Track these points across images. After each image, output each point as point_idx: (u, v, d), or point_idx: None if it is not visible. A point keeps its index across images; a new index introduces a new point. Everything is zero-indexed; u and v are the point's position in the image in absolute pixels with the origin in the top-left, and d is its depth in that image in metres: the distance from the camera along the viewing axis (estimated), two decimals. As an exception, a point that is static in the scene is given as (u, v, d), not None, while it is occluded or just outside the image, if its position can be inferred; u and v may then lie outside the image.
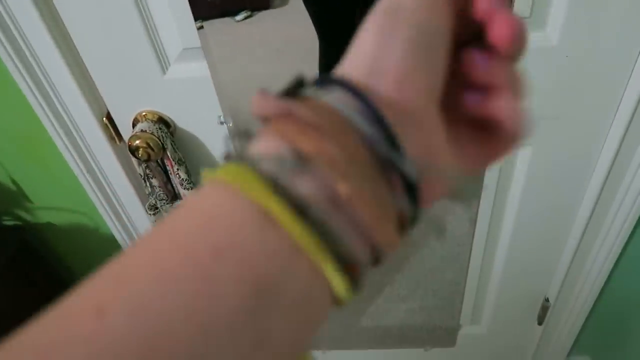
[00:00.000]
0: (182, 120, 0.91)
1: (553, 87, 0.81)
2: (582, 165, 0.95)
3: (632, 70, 0.79)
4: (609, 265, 1.13)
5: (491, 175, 0.98)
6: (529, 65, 0.78)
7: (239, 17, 3.52)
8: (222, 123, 0.90)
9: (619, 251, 1.09)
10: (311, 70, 1.76)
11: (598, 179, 0.96)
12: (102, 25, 0.79)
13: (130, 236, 1.10)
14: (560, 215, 1.06)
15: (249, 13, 3.52)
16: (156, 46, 0.84)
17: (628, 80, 0.80)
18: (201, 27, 0.85)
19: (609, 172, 0.95)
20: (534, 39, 0.75)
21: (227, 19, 3.53)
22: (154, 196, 0.91)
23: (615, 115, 0.86)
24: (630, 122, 0.85)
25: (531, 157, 0.93)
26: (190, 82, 0.87)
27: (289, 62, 2.62)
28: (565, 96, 0.83)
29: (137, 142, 0.86)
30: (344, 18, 1.53)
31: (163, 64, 0.86)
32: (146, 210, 0.94)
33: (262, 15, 3.50)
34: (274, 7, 3.39)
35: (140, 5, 0.80)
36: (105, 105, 0.91)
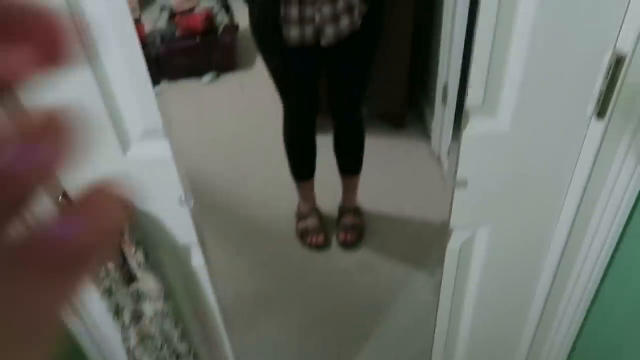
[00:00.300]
0: (142, 201, 0.89)
1: (507, 169, 0.84)
2: (539, 241, 0.98)
3: (580, 152, 0.83)
4: (573, 334, 1.14)
5: (451, 259, 0.99)
6: (485, 150, 0.81)
7: (205, 80, 3.54)
8: (183, 203, 0.89)
9: (581, 321, 1.10)
10: (276, 130, 1.78)
11: (555, 254, 0.99)
12: (61, 101, 0.78)
13: (84, 325, 1.04)
14: (521, 288, 1.07)
15: (215, 75, 3.55)
16: (118, 126, 0.83)
17: (578, 159, 0.84)
18: (159, 93, 0.83)
19: (565, 246, 0.97)
20: (488, 125, 0.78)
21: (193, 81, 3.56)
22: (108, 279, 0.87)
23: (567, 192, 0.89)
24: (582, 198, 0.89)
25: (490, 235, 0.94)
26: (152, 162, 0.86)
27: (253, 123, 2.62)
28: (519, 177, 0.86)
29: (94, 223, 0.83)
30: (304, 79, 1.58)
31: (124, 144, 0.85)
32: (100, 295, 0.90)
33: (228, 78, 3.54)
34: (240, 69, 3.45)
35: (103, 86, 0.79)
36: (62, 185, 0.89)
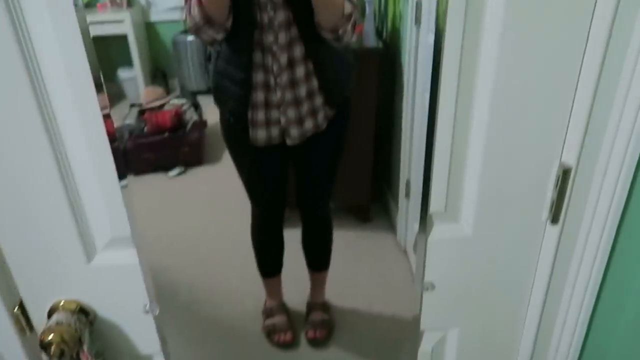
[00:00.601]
0: (104, 309, 0.86)
1: (472, 272, 0.86)
2: (508, 340, 0.98)
3: (539, 254, 0.86)
4: None
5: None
6: (450, 253, 0.83)
7: (172, 173, 3.55)
8: (147, 312, 0.86)
9: None
10: (242, 225, 1.78)
11: (525, 352, 0.99)
12: (24, 209, 0.77)
13: None
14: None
15: (182, 169, 3.57)
16: (83, 234, 0.82)
17: (537, 260, 0.87)
18: (125, 186, 0.82)
19: (534, 344, 0.98)
20: (451, 230, 0.81)
21: (160, 175, 3.56)
22: (64, 396, 0.81)
23: (531, 293, 0.91)
24: (545, 298, 0.91)
25: (460, 336, 0.95)
26: (116, 269, 0.84)
27: (219, 217, 2.60)
28: (483, 279, 0.88)
29: (51, 336, 0.79)
30: (272, 180, 1.62)
31: (89, 251, 0.83)
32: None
33: (195, 171, 3.57)
34: (207, 163, 3.48)
35: (70, 193, 0.79)
36: (19, 293, 0.85)
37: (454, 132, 0.73)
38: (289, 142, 1.44)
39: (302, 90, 1.37)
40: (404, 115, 1.99)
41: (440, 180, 0.76)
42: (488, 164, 0.74)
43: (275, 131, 1.42)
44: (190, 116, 3.25)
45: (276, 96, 1.36)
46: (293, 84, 1.36)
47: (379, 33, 2.34)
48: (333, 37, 1.27)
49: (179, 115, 3.11)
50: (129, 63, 3.97)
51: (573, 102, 0.72)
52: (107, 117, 0.76)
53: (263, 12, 1.26)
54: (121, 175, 0.79)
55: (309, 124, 1.43)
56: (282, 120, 1.40)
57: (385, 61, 2.23)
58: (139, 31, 3.95)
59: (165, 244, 2.32)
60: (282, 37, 1.29)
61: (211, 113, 2.85)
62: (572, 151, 0.74)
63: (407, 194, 2.10)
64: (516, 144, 0.74)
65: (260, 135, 1.42)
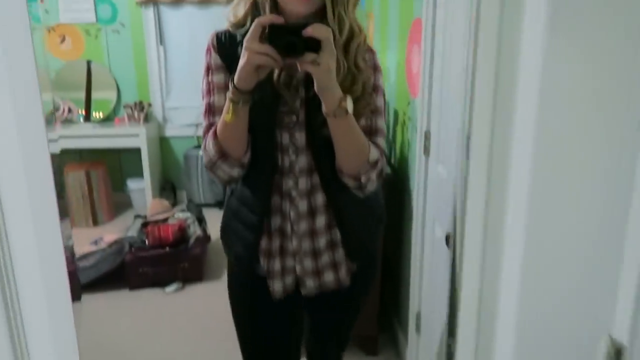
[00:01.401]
0: None
1: None
2: None
3: None
4: None
5: None
6: None
7: (169, 289, 3.39)
8: None
9: None
10: (237, 348, 1.61)
11: None
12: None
13: None
14: None
15: (180, 285, 3.41)
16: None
17: None
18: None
19: None
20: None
21: (156, 290, 3.39)
22: None
23: None
24: None
25: None
26: None
27: (216, 339, 2.40)
28: None
29: None
30: (282, 344, 1.35)
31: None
32: None
33: (194, 288, 3.41)
34: (207, 280, 3.33)
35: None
36: None
37: (481, 290, 0.64)
38: (303, 292, 1.26)
39: (322, 241, 1.22)
40: (413, 244, 1.91)
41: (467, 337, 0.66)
42: (521, 339, 0.64)
43: (289, 279, 1.24)
44: (194, 230, 3.19)
45: (292, 245, 1.21)
46: (312, 233, 1.21)
47: (387, 159, 2.35)
48: (355, 185, 1.15)
49: (182, 230, 3.05)
50: (139, 174, 4.02)
51: (621, 261, 0.64)
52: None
53: (284, 156, 1.16)
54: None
55: (328, 277, 1.25)
56: (298, 268, 1.23)
57: (394, 187, 2.20)
58: (152, 145, 4.06)
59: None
60: (303, 183, 1.18)
61: (216, 227, 2.81)
62: (624, 324, 0.64)
63: (418, 329, 1.95)
64: (551, 312, 0.64)
65: (277, 286, 1.24)
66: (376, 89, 1.15)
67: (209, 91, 1.14)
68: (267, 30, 0.96)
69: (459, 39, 1.39)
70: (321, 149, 1.14)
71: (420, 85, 1.75)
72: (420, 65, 1.78)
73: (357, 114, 1.08)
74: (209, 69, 1.14)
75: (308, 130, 1.13)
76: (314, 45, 0.94)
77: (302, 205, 1.19)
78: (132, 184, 4.15)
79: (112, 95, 4.15)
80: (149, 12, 4.04)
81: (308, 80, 1.07)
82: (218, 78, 1.13)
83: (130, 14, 4.03)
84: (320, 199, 1.19)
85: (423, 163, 1.76)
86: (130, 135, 3.87)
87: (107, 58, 4.09)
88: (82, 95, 4.06)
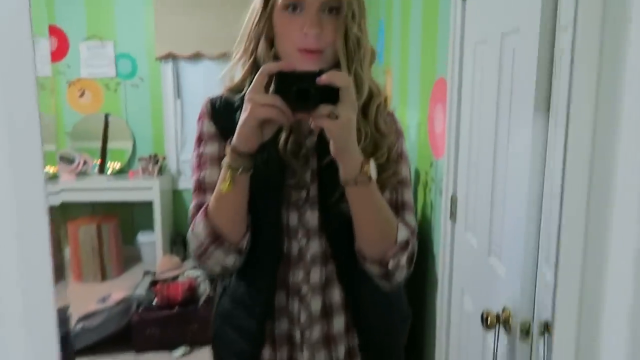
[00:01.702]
0: None
1: None
2: None
3: None
4: None
5: None
6: None
7: (176, 353, 3.20)
8: None
9: None
10: None
11: None
12: None
13: None
14: None
15: (187, 349, 3.22)
16: None
17: None
18: None
19: None
20: None
21: (163, 354, 3.20)
22: None
23: None
24: None
25: None
26: None
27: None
28: None
29: None
30: None
31: None
32: None
33: (203, 352, 3.22)
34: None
35: None
36: None
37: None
38: None
39: (341, 350, 0.98)
40: (438, 315, 1.77)
41: None
42: None
43: None
44: (204, 289, 3.07)
45: (303, 356, 0.96)
46: (329, 340, 0.97)
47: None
48: (380, 272, 0.91)
49: (192, 289, 2.93)
50: (150, 227, 3.95)
51: None
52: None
53: (292, 241, 0.94)
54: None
55: None
56: None
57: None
58: (165, 198, 4.00)
59: None
60: (316, 275, 0.95)
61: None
62: None
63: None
64: None
65: None
66: (401, 156, 0.97)
67: (200, 165, 0.95)
68: (274, 80, 0.79)
69: (488, 100, 1.32)
70: (338, 231, 0.93)
71: (446, 147, 1.67)
72: (444, 126, 1.71)
73: (381, 186, 0.90)
74: (200, 140, 0.96)
75: (322, 208, 0.93)
76: (331, 96, 0.76)
77: (315, 303, 0.95)
78: (142, 237, 4.07)
79: (128, 146, 4.15)
80: (168, 67, 4.10)
81: (321, 147, 0.89)
82: (212, 149, 0.94)
83: (149, 68, 4.09)
84: (337, 295, 0.97)
85: (449, 229, 1.66)
86: (143, 188, 3.83)
87: (124, 111, 4.12)
88: (98, 145, 4.07)
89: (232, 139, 0.82)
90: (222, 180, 0.84)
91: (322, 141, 0.84)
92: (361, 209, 0.87)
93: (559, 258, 0.60)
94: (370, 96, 0.91)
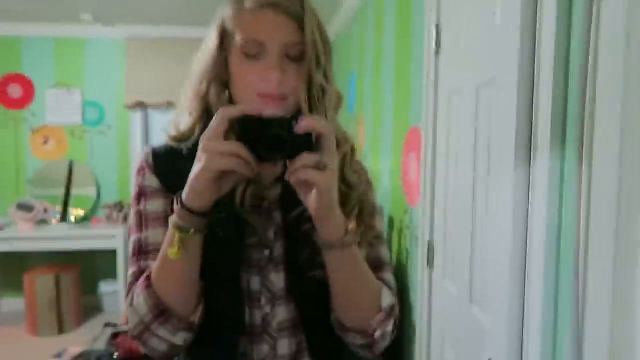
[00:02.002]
0: None
1: None
2: None
3: None
4: None
5: None
6: None
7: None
8: None
9: None
10: None
11: None
12: None
13: None
14: None
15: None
16: None
17: None
18: None
19: None
20: None
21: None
22: None
23: None
24: None
25: None
26: None
27: None
28: None
29: None
30: None
31: None
32: None
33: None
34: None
35: None
36: None
37: None
38: None
39: None
40: (417, 366, 1.73)
41: None
42: None
43: None
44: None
45: None
46: None
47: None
48: (364, 342, 0.80)
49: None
50: (113, 276, 3.80)
51: None
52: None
53: (254, 309, 0.82)
54: None
55: None
56: None
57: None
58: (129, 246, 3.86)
59: None
60: (284, 347, 0.83)
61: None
62: None
63: None
64: None
65: None
66: (374, 209, 0.87)
67: (141, 224, 0.81)
68: (236, 125, 0.67)
69: (465, 148, 1.35)
70: (309, 295, 0.82)
71: (421, 194, 1.69)
72: (419, 174, 1.74)
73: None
74: (140, 195, 0.82)
75: (289, 269, 0.82)
76: (307, 144, 0.66)
77: None
78: (105, 287, 3.90)
79: (92, 193, 4.03)
80: (137, 116, 4.06)
81: (286, 199, 0.79)
82: (154, 206, 0.81)
83: (117, 116, 4.04)
84: None
85: (427, 276, 1.65)
86: (107, 237, 3.69)
87: (90, 158, 4.03)
88: (60, 192, 3.93)
89: (180, 195, 0.69)
90: (168, 244, 0.70)
91: (288, 192, 0.74)
92: (344, 275, 0.76)
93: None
94: (337, 145, 0.77)
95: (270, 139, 0.66)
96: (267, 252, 0.81)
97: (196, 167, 0.67)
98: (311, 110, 0.78)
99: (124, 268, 3.70)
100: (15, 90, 3.92)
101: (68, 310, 3.56)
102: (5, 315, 3.86)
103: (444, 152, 1.54)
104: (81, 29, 3.90)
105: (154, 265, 0.74)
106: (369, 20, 2.71)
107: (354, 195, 0.81)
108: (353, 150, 0.85)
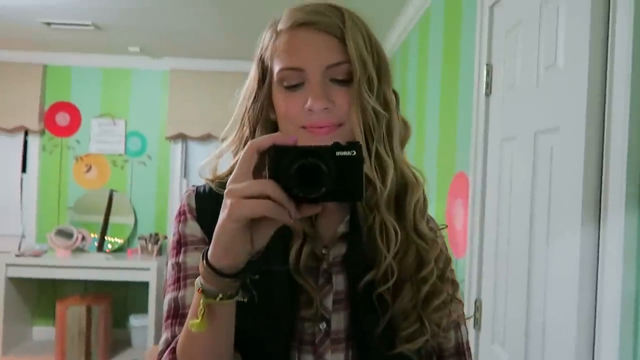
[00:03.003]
0: None
1: None
2: None
3: None
4: None
5: None
6: None
7: None
8: None
9: None
10: None
11: None
12: None
13: None
14: None
15: None
16: None
17: None
18: None
19: None
20: None
21: None
22: None
23: None
24: None
25: None
26: None
27: None
28: None
29: None
30: None
31: None
32: None
33: None
34: None
35: None
36: None
37: None
38: None
39: None
40: None
41: None
42: None
43: None
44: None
45: None
46: None
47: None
48: None
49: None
50: (144, 310, 3.74)
51: None
52: None
53: None
54: None
55: None
56: None
57: None
58: (162, 279, 3.82)
59: None
60: None
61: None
62: None
63: None
64: None
65: None
66: (453, 278, 0.71)
67: (178, 280, 0.69)
68: (268, 158, 0.54)
69: (520, 200, 1.23)
70: None
71: (468, 246, 1.56)
72: (466, 223, 1.61)
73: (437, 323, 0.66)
74: (180, 244, 0.70)
75: (358, 346, 0.67)
76: (351, 176, 0.54)
77: None
78: (135, 321, 3.84)
79: (129, 221, 4.04)
80: (177, 147, 4.10)
81: (352, 260, 0.67)
82: (195, 259, 0.66)
83: (158, 147, 4.08)
84: None
85: (472, 338, 1.50)
86: (141, 268, 3.67)
87: (129, 188, 4.07)
88: (99, 220, 3.96)
89: (207, 251, 0.56)
90: (192, 315, 0.58)
91: (354, 252, 0.63)
92: None
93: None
94: (405, 185, 0.67)
95: (302, 171, 0.52)
96: (321, 327, 0.67)
97: (220, 216, 0.54)
98: (367, 141, 0.65)
99: (155, 302, 3.65)
100: (62, 118, 4.03)
101: (97, 342, 3.52)
102: (36, 343, 3.86)
103: (494, 202, 1.42)
104: (128, 60, 4.00)
105: (180, 335, 0.62)
106: (409, 56, 2.65)
107: (431, 254, 0.66)
108: (425, 197, 0.70)
